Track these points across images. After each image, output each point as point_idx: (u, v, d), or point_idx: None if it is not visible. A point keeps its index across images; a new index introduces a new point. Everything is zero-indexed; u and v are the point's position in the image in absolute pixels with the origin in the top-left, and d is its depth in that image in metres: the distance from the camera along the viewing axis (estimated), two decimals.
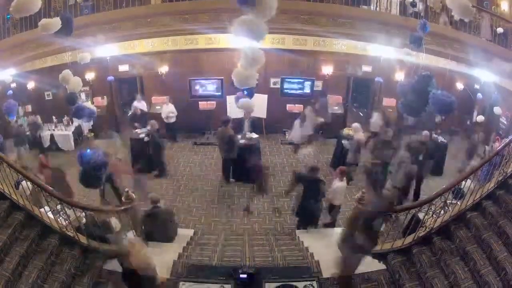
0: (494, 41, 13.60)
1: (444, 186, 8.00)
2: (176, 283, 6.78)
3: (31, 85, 16.38)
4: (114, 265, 7.53)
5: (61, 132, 16.80)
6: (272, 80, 17.83)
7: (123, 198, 8.73)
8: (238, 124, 15.09)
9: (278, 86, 17.85)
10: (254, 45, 5.85)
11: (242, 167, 13.53)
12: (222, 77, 17.03)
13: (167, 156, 15.06)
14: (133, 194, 8.80)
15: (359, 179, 13.35)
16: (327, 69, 17.50)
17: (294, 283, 6.33)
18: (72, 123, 16.92)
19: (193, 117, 17.20)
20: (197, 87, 17.64)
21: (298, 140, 15.98)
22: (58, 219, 7.90)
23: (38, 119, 16.28)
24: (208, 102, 17.71)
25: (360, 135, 13.59)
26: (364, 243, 6.78)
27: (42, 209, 7.99)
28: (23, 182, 8.07)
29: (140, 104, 16.89)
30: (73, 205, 7.76)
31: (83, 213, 8.09)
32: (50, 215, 7.87)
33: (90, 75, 16.75)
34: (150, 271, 5.96)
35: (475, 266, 6.60)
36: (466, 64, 13.82)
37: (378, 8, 14.95)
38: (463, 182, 8.14)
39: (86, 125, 17.47)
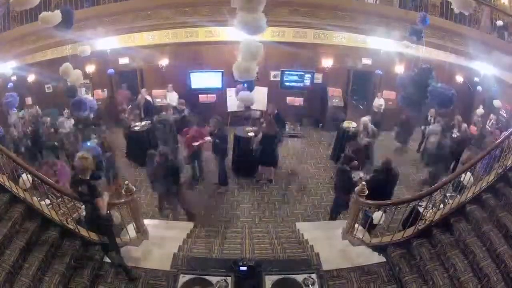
0: (494, 34, 13.59)
1: (444, 179, 8.04)
2: (176, 275, 6.80)
3: (31, 77, 16.33)
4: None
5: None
6: (272, 73, 17.82)
7: (123, 191, 8.73)
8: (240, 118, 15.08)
9: (278, 78, 17.85)
10: (253, 38, 5.87)
11: (245, 160, 13.59)
12: (222, 70, 17.01)
13: None
14: (133, 187, 8.82)
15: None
16: (327, 62, 17.50)
17: (294, 276, 6.35)
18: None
19: (193, 110, 17.19)
20: (197, 79, 17.64)
21: None
22: (58, 212, 7.93)
23: (38, 110, 16.27)
24: (208, 95, 17.71)
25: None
26: None
27: (42, 202, 8.01)
28: (23, 175, 8.06)
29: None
30: (73, 198, 7.77)
31: (83, 206, 8.09)
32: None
33: (90, 68, 16.71)
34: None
35: (474, 258, 6.62)
36: (466, 57, 13.80)
37: (377, 1, 14.96)
38: (463, 175, 8.14)
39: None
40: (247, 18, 5.56)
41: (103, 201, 6.94)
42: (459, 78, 16.62)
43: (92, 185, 6.85)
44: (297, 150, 16.25)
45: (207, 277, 6.21)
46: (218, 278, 6.19)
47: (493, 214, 7.11)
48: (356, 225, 8.92)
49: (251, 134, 13.59)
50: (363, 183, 8.77)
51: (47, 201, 8.02)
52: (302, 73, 17.68)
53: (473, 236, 7.05)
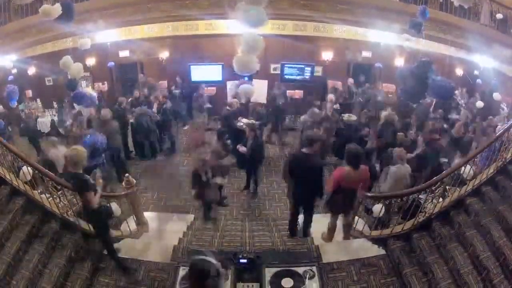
0: (494, 27, 13.57)
1: (444, 172, 8.05)
2: (176, 267, 6.81)
3: (31, 70, 16.33)
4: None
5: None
6: (272, 65, 17.81)
7: (123, 184, 8.74)
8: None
9: (278, 71, 17.78)
10: (253, 31, 5.87)
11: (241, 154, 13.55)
12: (222, 63, 16.97)
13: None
14: (133, 180, 8.83)
15: None
16: (327, 55, 17.50)
17: (294, 268, 6.34)
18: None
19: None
20: (197, 72, 17.57)
21: None
22: (59, 204, 7.94)
23: (39, 104, 16.29)
24: (208, 87, 17.68)
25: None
26: None
27: (43, 195, 8.02)
28: (24, 167, 8.08)
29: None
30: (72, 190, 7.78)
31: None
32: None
33: (90, 61, 16.74)
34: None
35: (474, 251, 6.63)
36: (466, 49, 13.79)
37: None
38: (463, 168, 8.14)
39: (87, 111, 17.40)
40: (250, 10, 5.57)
41: (92, 194, 6.73)
42: (459, 71, 16.61)
43: (80, 179, 6.68)
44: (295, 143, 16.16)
45: None
46: None
47: (493, 207, 7.12)
48: (356, 218, 8.93)
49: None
50: None
51: (47, 194, 8.03)
52: (302, 66, 17.58)
53: (473, 229, 7.05)
